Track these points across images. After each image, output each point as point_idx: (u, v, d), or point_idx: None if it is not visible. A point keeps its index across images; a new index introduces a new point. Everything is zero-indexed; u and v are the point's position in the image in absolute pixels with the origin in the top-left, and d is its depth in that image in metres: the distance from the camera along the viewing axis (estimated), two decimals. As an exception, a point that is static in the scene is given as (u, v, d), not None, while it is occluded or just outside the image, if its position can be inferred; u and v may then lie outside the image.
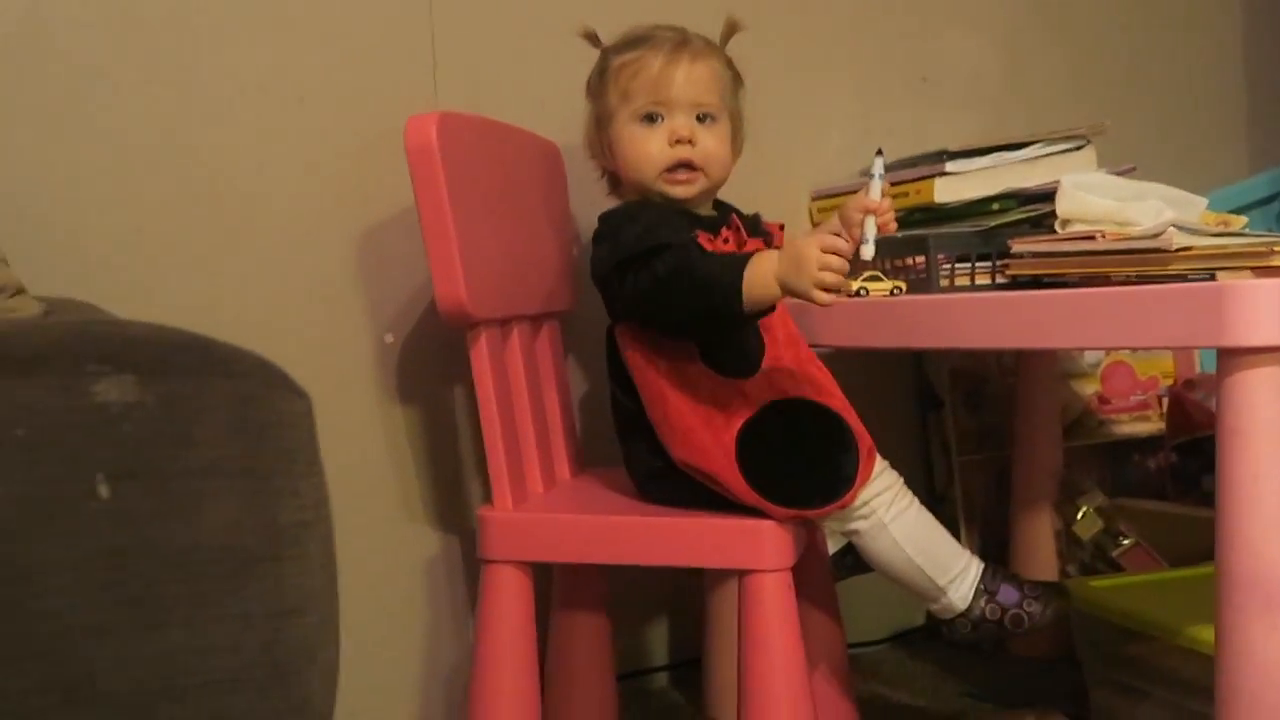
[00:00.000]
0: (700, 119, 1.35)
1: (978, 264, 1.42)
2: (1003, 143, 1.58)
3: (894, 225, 1.31)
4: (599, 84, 1.39)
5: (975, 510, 1.89)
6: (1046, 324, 1.19)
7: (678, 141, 1.33)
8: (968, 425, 1.90)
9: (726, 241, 1.33)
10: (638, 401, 1.34)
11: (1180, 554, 1.65)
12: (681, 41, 1.35)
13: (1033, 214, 1.48)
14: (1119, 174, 1.47)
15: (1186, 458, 1.83)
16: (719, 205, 1.43)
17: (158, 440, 0.67)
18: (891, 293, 1.40)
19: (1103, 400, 1.95)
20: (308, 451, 0.76)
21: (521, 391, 1.41)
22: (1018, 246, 1.37)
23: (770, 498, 1.23)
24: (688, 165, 1.34)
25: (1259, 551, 1.03)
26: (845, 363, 1.47)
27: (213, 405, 0.70)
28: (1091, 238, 1.27)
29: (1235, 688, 1.05)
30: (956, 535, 1.40)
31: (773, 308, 1.23)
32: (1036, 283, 1.34)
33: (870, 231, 1.24)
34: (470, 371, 1.33)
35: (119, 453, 0.66)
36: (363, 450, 1.54)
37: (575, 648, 1.53)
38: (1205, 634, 1.16)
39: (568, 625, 1.53)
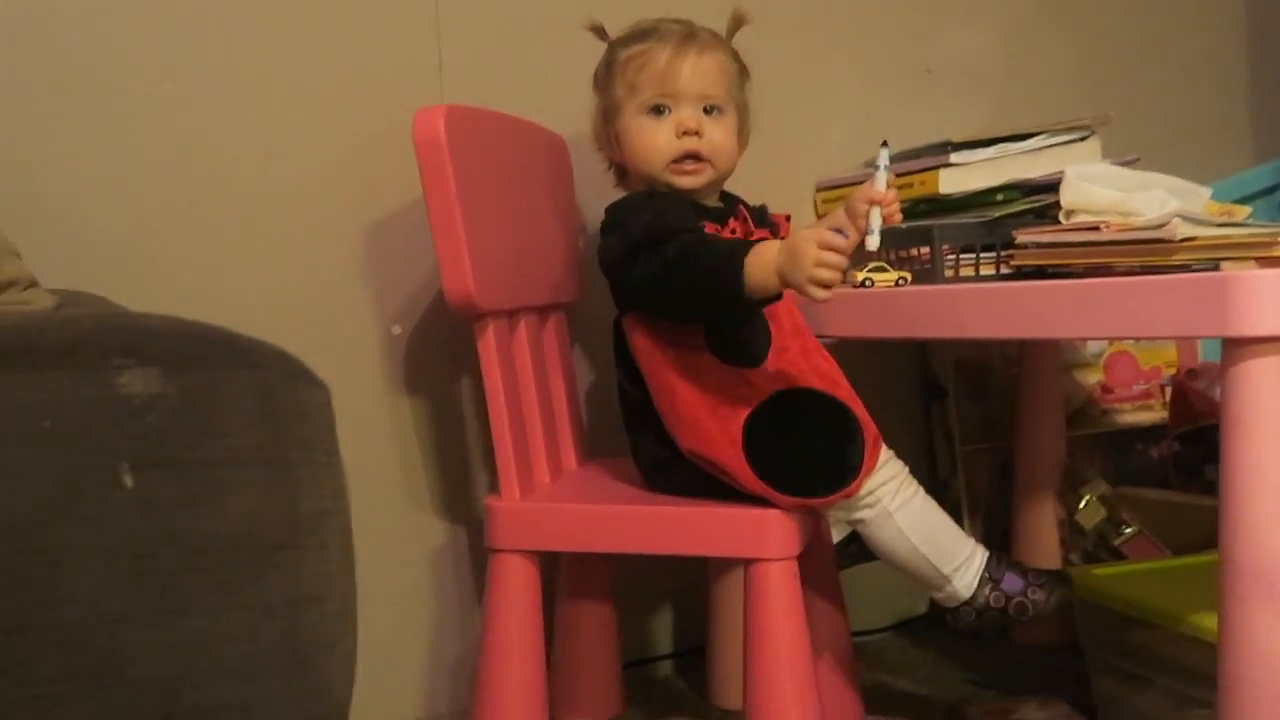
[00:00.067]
0: (707, 111, 1.35)
1: (982, 255, 1.42)
2: (1007, 134, 1.58)
3: (899, 216, 1.31)
4: (606, 76, 1.40)
5: (978, 499, 1.90)
6: (1051, 314, 1.19)
7: (685, 133, 1.34)
8: (971, 415, 1.90)
9: (733, 232, 1.34)
10: (645, 391, 1.34)
11: (1183, 542, 1.65)
12: (688, 34, 1.36)
13: (1037, 205, 1.48)
14: (1123, 164, 1.47)
15: (1189, 447, 1.83)
16: (725, 196, 1.43)
17: (180, 431, 0.68)
18: (897, 283, 1.40)
19: (1106, 389, 1.96)
20: (327, 441, 0.77)
21: (529, 382, 1.42)
22: (1022, 237, 1.38)
23: (776, 487, 1.24)
24: (695, 156, 1.35)
25: (1262, 540, 1.04)
26: (851, 353, 1.48)
27: (234, 396, 0.71)
28: (1096, 228, 1.27)
29: (1238, 676, 1.06)
30: (960, 524, 1.41)
31: (779, 296, 1.23)
32: (1041, 273, 1.34)
33: (875, 222, 1.26)
34: (477, 362, 1.34)
35: (143, 443, 0.67)
36: (370, 441, 1.55)
37: (581, 636, 1.54)
38: (1208, 622, 1.17)
39: (574, 614, 1.54)
